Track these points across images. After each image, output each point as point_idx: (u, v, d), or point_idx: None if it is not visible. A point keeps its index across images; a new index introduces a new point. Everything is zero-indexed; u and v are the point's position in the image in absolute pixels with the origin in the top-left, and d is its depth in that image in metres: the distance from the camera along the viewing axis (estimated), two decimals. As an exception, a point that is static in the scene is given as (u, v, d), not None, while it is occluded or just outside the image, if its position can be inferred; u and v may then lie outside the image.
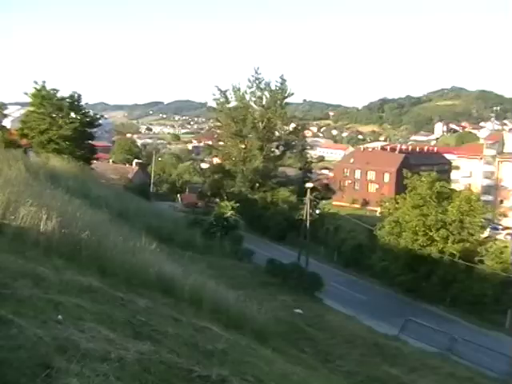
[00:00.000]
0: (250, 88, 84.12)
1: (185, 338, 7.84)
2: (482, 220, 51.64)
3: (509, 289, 49.15)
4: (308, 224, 51.99)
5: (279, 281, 38.92)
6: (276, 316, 22.39)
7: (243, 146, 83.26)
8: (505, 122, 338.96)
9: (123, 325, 7.09)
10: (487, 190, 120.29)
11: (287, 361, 12.41)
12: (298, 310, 29.75)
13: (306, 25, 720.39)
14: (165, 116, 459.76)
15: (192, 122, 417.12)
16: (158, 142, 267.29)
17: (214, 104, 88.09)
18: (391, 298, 47.40)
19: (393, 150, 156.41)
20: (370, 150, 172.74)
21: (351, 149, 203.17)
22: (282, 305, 29.39)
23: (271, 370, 8.91)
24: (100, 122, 65.05)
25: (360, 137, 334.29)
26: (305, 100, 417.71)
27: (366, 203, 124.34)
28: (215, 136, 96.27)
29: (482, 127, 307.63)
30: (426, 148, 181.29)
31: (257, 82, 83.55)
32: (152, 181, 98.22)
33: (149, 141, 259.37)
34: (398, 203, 53.02)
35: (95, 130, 63.08)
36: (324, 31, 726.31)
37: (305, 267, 46.37)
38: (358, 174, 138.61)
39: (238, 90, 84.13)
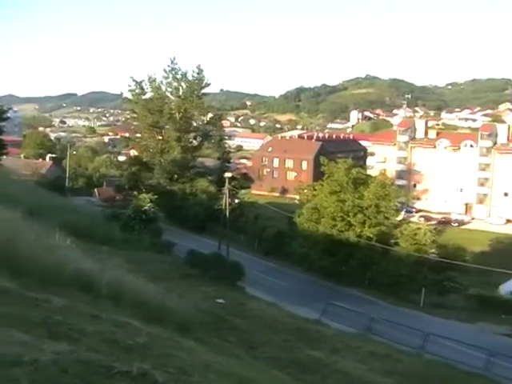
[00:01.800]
0: (166, 78, 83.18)
1: (104, 334, 7.69)
2: (397, 204, 53.45)
3: (423, 268, 51.15)
4: (227, 214, 52.20)
5: (200, 272, 38.88)
6: (198, 307, 22.36)
7: (160, 138, 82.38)
8: (416, 109, 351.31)
9: (38, 326, 6.88)
10: (401, 174, 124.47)
11: (210, 351, 12.40)
12: (220, 300, 29.85)
13: (222, 14, 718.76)
14: (79, 108, 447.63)
15: (108, 114, 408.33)
16: (73, 135, 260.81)
17: (129, 95, 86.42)
18: (312, 283, 48.31)
19: (310, 138, 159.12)
20: (287, 138, 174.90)
21: (269, 138, 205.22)
22: (203, 295, 29.38)
23: (194, 360, 8.87)
24: (8, 115, 62.57)
25: (277, 125, 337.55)
26: (222, 90, 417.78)
27: (284, 191, 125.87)
28: (132, 128, 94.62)
29: (394, 114, 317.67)
30: (342, 135, 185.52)
31: (173, 72, 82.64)
32: (67, 175, 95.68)
33: (63, 134, 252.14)
34: (315, 190, 53.98)
35: (3, 123, 60.62)
36: (240, 20, 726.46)
37: (225, 257, 46.53)
38: (276, 162, 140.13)
39: (154, 80, 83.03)
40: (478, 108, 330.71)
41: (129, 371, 5.81)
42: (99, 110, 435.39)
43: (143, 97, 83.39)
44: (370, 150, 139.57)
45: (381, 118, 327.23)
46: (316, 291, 44.53)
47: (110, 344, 7.33)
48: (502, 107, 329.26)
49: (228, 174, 56.26)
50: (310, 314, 33.72)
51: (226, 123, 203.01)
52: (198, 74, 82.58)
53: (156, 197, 58.55)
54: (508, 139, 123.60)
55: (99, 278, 11.75)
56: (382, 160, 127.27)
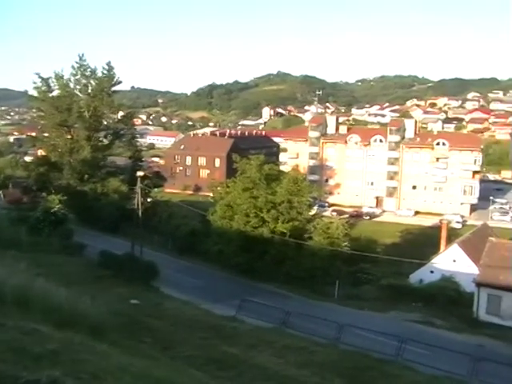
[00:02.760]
0: (74, 76, 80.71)
1: (10, 343, 7.39)
2: (309, 199, 54.25)
3: (336, 261, 52.28)
4: (140, 213, 51.37)
5: (113, 273, 38.17)
6: (112, 309, 21.90)
7: (69, 137, 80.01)
8: (327, 105, 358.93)
9: None
10: (313, 169, 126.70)
11: (125, 353, 12.19)
12: (134, 301, 29.41)
13: (132, 10, 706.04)
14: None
15: (12, 113, 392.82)
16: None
17: (35, 93, 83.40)
18: (227, 281, 48.40)
19: (222, 135, 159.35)
20: (199, 135, 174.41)
21: (181, 135, 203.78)
22: (117, 297, 28.85)
23: (108, 364, 8.67)
24: None
25: (190, 123, 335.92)
26: (133, 87, 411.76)
27: (198, 189, 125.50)
28: (39, 127, 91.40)
29: (306, 110, 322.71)
30: (254, 132, 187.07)
31: (81, 69, 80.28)
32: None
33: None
34: (228, 187, 54.10)
35: None
36: (151, 17, 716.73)
37: (139, 257, 45.88)
38: (188, 160, 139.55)
39: (61, 77, 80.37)
40: (387, 104, 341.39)
41: (37, 380, 5.60)
42: (3, 108, 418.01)
43: (50, 94, 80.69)
44: (282, 146, 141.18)
45: (293, 114, 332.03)
46: (231, 288, 44.65)
47: (17, 352, 7.05)
48: (409, 103, 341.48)
49: (140, 173, 55.25)
50: (226, 310, 33.77)
51: (137, 121, 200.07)
52: (107, 71, 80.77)
53: (66, 198, 56.91)
54: (415, 134, 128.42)
55: (3, 284, 11.27)
56: (295, 156, 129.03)
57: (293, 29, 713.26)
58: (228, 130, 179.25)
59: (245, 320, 31.67)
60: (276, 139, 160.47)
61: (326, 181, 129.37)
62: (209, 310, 34.23)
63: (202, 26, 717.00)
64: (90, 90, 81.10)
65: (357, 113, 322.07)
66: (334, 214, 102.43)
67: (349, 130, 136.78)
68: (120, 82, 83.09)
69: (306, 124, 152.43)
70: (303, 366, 22.96)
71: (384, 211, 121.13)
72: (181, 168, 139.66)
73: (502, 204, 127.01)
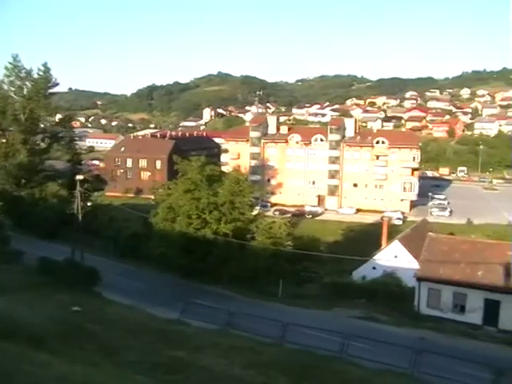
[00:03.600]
0: (8, 77, 78.50)
1: None
2: (251, 199, 54.29)
3: (279, 261, 52.49)
4: (80, 218, 50.31)
5: (53, 280, 37.25)
6: (52, 317, 21.39)
7: (4, 141, 77.89)
8: (268, 105, 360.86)
9: None
10: (255, 170, 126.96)
11: (66, 361, 11.89)
12: (75, 308, 28.78)
13: (69, 10, 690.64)
14: None
15: None
16: None
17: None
18: (171, 283, 47.95)
19: (163, 136, 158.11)
20: (140, 137, 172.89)
21: (121, 137, 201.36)
22: (57, 304, 28.23)
23: (48, 374, 8.42)
24: None
25: (130, 125, 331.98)
26: (71, 89, 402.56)
27: (139, 191, 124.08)
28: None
29: (247, 111, 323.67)
30: (195, 133, 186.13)
31: (16, 70, 78.16)
32: None
33: None
34: (170, 189, 53.62)
35: None
36: (88, 17, 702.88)
37: (80, 262, 44.94)
38: (129, 162, 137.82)
39: (-6, 79, 78.22)
40: (327, 103, 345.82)
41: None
42: None
43: (-18, 97, 78.24)
44: (223, 146, 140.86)
45: (233, 114, 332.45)
46: (175, 291, 44.28)
47: None
48: (349, 102, 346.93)
49: (79, 177, 54.00)
50: (171, 314, 33.44)
51: (76, 124, 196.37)
52: (44, 72, 78.90)
53: (1, 203, 55.24)
54: (355, 133, 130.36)
55: None
56: (236, 156, 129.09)
57: (232, 29, 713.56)
58: (169, 132, 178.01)
59: (189, 322, 31.45)
60: (217, 140, 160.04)
61: (268, 181, 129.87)
62: (153, 313, 33.84)
63: (140, 25, 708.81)
64: (25, 92, 79.09)
65: (297, 112, 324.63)
66: (277, 213, 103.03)
67: (290, 129, 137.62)
68: (57, 84, 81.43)
69: (247, 124, 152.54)
70: (249, 366, 22.99)
71: (326, 210, 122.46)
72: (121, 171, 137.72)
73: (440, 200, 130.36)
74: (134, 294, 40.31)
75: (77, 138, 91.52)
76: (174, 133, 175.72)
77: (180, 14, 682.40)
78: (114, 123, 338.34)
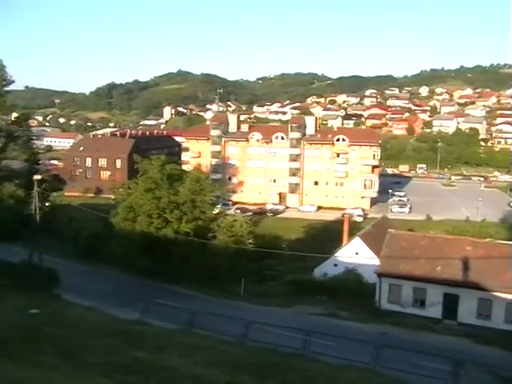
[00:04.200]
0: (-41, 75, 76.64)
1: None
2: (212, 198, 54.14)
3: (241, 259, 52.48)
4: (38, 218, 49.39)
5: (9, 282, 36.49)
6: (9, 320, 20.95)
7: (-45, 140, 76.06)
8: (229, 103, 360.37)
9: None
10: (216, 168, 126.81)
11: (24, 366, 11.61)
12: (33, 310, 28.25)
13: (25, 5, 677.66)
14: None
15: None
16: None
17: None
18: (132, 283, 47.49)
19: (123, 135, 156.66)
20: (99, 136, 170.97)
21: (80, 136, 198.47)
22: (14, 307, 27.63)
23: (4, 379, 8.16)
24: None
25: (89, 124, 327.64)
26: (27, 87, 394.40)
27: (99, 191, 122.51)
28: None
29: (208, 109, 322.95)
30: (155, 132, 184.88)
31: (-31, 68, 76.41)
32: None
33: None
34: (130, 188, 53.08)
35: None
36: (43, 14, 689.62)
37: (38, 264, 44.10)
38: (88, 161, 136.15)
39: None
40: (288, 101, 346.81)
41: None
42: None
43: None
44: (184, 145, 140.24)
45: (194, 113, 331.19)
46: (137, 291, 43.84)
47: None
48: (309, 100, 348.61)
49: (37, 177, 52.93)
50: (132, 314, 33.08)
51: (33, 123, 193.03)
52: (-2, 70, 77.24)
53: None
54: (316, 130, 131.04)
55: None
56: (197, 155, 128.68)
57: (192, 27, 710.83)
58: (129, 131, 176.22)
59: (151, 323, 31.17)
60: (178, 139, 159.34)
61: (229, 179, 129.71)
62: (114, 314, 33.45)
63: (100, 23, 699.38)
64: (-22, 90, 77.28)
65: (258, 111, 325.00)
66: (238, 211, 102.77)
67: (250, 127, 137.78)
68: (12, 82, 79.58)
69: (208, 123, 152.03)
70: (212, 365, 22.90)
71: (287, 207, 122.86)
72: (81, 170, 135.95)
73: (400, 197, 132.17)
74: (95, 296, 39.81)
75: (34, 137, 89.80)
76: (134, 132, 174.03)
77: (139, 12, 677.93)
78: (72, 122, 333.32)
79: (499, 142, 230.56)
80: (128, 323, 30.29)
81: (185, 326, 30.76)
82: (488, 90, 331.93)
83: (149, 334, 27.67)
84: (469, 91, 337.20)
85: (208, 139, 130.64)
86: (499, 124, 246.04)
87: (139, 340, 26.00)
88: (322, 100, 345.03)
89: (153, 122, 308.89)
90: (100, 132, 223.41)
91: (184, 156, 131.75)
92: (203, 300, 42.53)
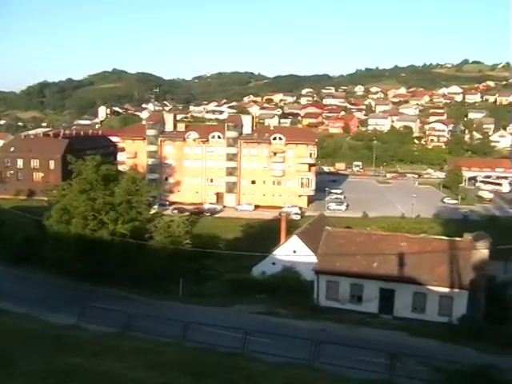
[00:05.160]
0: None
1: None
2: (149, 198, 53.48)
3: (179, 260, 52.10)
4: (-34, 223, 47.73)
5: None
6: None
7: None
8: (165, 102, 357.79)
9: None
10: (152, 168, 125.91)
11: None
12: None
13: None
14: None
15: None
16: None
17: None
18: (68, 288, 46.31)
19: (56, 135, 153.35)
20: (31, 137, 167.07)
21: (11, 137, 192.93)
22: None
23: None
24: None
25: (20, 124, 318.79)
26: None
27: (32, 193, 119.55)
28: None
29: (144, 109, 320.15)
30: (90, 132, 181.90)
31: None
32: None
33: None
34: (64, 190, 51.80)
35: None
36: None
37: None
38: (20, 163, 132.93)
39: None
40: (225, 100, 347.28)
41: None
42: None
43: None
44: (120, 145, 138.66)
45: (130, 112, 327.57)
46: (73, 295, 42.81)
47: None
48: (246, 99, 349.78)
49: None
50: (67, 319, 32.20)
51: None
52: None
53: None
54: (253, 129, 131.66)
55: None
56: (133, 155, 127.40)
57: (127, 25, 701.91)
58: (62, 131, 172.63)
59: (87, 327, 30.44)
60: (113, 138, 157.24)
61: (166, 179, 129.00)
62: (49, 320, 32.50)
63: (30, 19, 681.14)
64: None
65: (195, 110, 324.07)
66: (175, 211, 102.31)
67: (187, 127, 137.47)
68: None
69: (144, 122, 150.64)
70: (151, 368, 22.62)
71: (225, 207, 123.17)
72: (12, 172, 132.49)
73: (337, 194, 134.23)
74: (29, 302, 38.55)
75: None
76: (67, 132, 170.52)
77: (73, 8, 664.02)
78: (2, 122, 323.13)
79: (432, 140, 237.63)
80: (63, 329, 29.49)
81: (122, 329, 30.17)
82: (421, 89, 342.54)
83: (85, 339, 27.04)
84: (403, 90, 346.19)
85: (144, 139, 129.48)
86: (432, 122, 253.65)
87: (75, 345, 25.39)
88: (258, 99, 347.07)
89: (87, 122, 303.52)
90: (32, 132, 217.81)
91: (120, 156, 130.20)
92: (141, 302, 41.92)
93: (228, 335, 29.08)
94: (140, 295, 44.66)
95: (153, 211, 56.01)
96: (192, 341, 28.25)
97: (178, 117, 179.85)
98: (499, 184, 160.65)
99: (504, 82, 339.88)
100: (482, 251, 41.38)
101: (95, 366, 21.73)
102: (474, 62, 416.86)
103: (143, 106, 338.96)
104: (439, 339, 34.72)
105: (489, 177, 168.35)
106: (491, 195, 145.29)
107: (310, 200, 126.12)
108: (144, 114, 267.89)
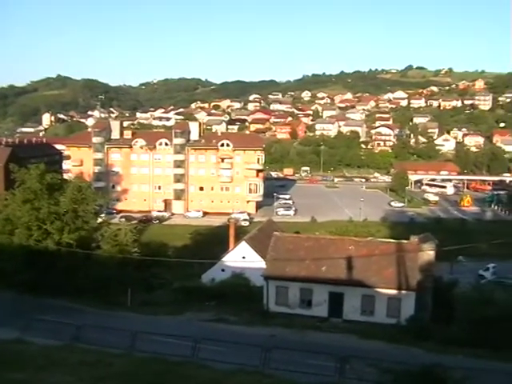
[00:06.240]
0: None
1: None
2: (95, 207, 52.58)
3: (127, 268, 51.36)
4: None
5: None
6: None
7: None
8: (111, 109, 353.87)
9: None
10: (99, 176, 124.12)
11: None
12: None
13: None
14: None
15: None
16: None
17: None
18: (12, 300, 44.94)
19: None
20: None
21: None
22: None
23: None
24: None
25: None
26: None
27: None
28: None
29: (89, 116, 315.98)
30: (34, 140, 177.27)
31: None
32: None
33: None
34: (7, 200, 50.45)
35: None
36: None
37: None
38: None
39: None
40: (172, 107, 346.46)
41: None
42: None
43: None
44: (65, 153, 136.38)
45: (75, 120, 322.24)
46: (17, 308, 41.50)
47: None
48: (193, 106, 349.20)
49: None
50: (10, 334, 31.17)
51: None
52: None
53: None
54: (200, 136, 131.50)
55: None
56: (79, 163, 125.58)
57: (71, 30, 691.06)
58: (4, 139, 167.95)
59: (32, 341, 29.60)
60: (58, 146, 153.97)
61: (113, 187, 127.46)
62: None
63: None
64: None
65: (142, 117, 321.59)
66: (123, 220, 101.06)
67: (134, 134, 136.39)
68: None
69: (90, 130, 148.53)
70: (100, 380, 22.31)
71: (173, 214, 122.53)
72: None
73: (285, 200, 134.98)
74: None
75: None
76: (10, 140, 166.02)
77: (12, 11, 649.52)
78: None
79: (378, 145, 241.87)
80: (5, 343, 28.61)
81: (69, 342, 29.50)
82: (367, 94, 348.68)
83: (29, 354, 26.29)
84: (349, 96, 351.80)
85: (90, 147, 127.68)
86: (378, 127, 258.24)
87: (18, 360, 24.64)
88: (206, 105, 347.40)
89: (31, 130, 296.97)
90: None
91: (65, 164, 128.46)
92: (89, 313, 41.03)
93: (178, 344, 28.79)
94: (87, 306, 43.71)
95: (100, 220, 55.03)
96: (141, 351, 27.85)
97: (125, 124, 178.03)
98: (444, 187, 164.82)
99: (447, 87, 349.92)
100: (429, 253, 42.07)
101: (41, 381, 21.19)
102: (417, 68, 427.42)
103: (89, 113, 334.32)
104: (388, 340, 35.18)
105: (434, 180, 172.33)
106: (436, 198, 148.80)
107: (259, 206, 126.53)
108: (90, 122, 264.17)
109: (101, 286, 47.07)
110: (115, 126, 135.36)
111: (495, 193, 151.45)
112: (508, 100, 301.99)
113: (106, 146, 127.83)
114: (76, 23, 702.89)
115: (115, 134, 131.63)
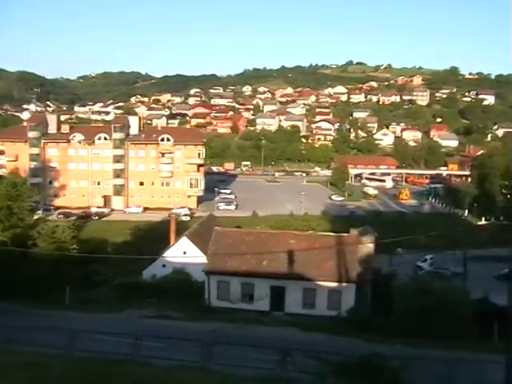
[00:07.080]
0: None
1: None
2: (31, 203, 51.37)
3: (65, 266, 50.21)
4: None
5: None
6: None
7: None
8: (48, 103, 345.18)
9: None
10: (35, 172, 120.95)
11: None
12: None
13: None
14: None
15: None
16: None
17: None
18: None
19: None
20: None
21: None
22: None
23: None
24: None
25: None
26: None
27: None
28: None
29: (24, 109, 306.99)
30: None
31: None
32: None
33: None
34: None
35: None
36: None
37: None
38: None
39: None
40: (111, 101, 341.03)
41: None
42: None
43: None
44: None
45: (9, 113, 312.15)
46: None
47: None
48: (133, 100, 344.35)
49: None
50: None
51: None
52: None
53: None
54: (140, 130, 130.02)
55: None
56: (14, 158, 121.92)
57: (5, 19, 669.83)
58: None
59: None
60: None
61: (50, 183, 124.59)
62: None
63: None
64: None
65: (80, 111, 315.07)
66: (61, 216, 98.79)
67: (71, 128, 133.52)
68: None
69: (25, 124, 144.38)
70: (35, 382, 21.45)
71: (113, 210, 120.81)
72: None
73: (226, 194, 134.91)
74: None
75: None
76: None
77: None
78: None
79: (319, 139, 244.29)
80: None
81: (2, 344, 28.51)
82: (308, 89, 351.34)
83: (-43, 359, 25.26)
84: (290, 90, 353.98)
85: (25, 141, 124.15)
86: (318, 121, 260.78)
87: None
88: (146, 99, 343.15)
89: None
90: None
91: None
92: (24, 313, 39.70)
93: (118, 342, 28.33)
94: (23, 306, 42.47)
95: (36, 217, 53.74)
96: (79, 350, 27.18)
97: (62, 118, 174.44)
98: (383, 180, 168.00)
99: (386, 83, 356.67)
100: (368, 245, 42.78)
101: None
102: (357, 64, 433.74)
103: (24, 106, 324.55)
104: (329, 332, 35.59)
105: (373, 174, 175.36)
106: (376, 191, 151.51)
107: (200, 200, 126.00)
108: (25, 115, 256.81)
109: (37, 284, 45.83)
110: (52, 120, 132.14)
111: (432, 186, 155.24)
112: (444, 96, 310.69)
113: (42, 141, 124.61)
114: (10, 12, 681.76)
115: (52, 129, 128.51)
